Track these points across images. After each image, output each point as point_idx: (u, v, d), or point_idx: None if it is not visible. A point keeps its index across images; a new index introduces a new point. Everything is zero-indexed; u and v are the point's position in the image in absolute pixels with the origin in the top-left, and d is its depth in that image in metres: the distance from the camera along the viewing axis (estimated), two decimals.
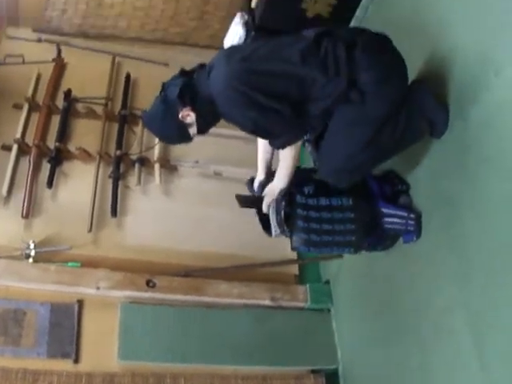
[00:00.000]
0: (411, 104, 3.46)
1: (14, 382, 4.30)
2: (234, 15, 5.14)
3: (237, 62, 3.17)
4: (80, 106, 5.85)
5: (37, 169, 5.34)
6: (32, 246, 4.80)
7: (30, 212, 5.07)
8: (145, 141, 5.71)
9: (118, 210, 5.28)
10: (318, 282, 5.33)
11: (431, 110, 3.55)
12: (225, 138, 5.61)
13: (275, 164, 3.71)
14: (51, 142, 5.48)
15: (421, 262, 3.82)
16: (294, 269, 5.42)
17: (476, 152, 3.29)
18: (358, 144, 3.37)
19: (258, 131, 3.39)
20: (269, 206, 3.78)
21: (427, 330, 3.67)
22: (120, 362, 4.58)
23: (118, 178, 5.42)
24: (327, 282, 5.25)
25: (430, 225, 3.72)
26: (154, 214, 5.45)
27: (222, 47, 4.75)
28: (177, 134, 3.38)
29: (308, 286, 5.20)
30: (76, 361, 4.54)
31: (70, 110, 5.77)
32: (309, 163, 4.19)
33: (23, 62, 5.82)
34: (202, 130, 3.38)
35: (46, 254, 4.88)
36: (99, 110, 5.85)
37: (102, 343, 4.64)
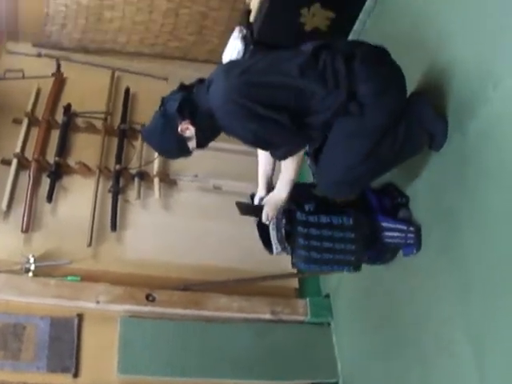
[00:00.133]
0: (410, 116, 3.46)
1: None
2: (233, 30, 5.16)
3: (235, 76, 3.17)
4: (79, 121, 5.86)
5: (36, 183, 5.35)
6: (32, 260, 4.81)
7: (29, 226, 5.07)
8: (144, 155, 5.72)
9: (118, 224, 5.29)
10: (318, 296, 5.32)
11: (430, 122, 3.56)
12: (224, 151, 5.61)
13: (276, 180, 3.70)
14: (51, 157, 5.49)
15: (421, 275, 3.81)
16: (294, 282, 5.41)
17: (475, 164, 3.29)
18: (358, 156, 3.37)
19: (258, 143, 3.40)
20: (268, 217, 3.76)
21: (427, 343, 3.66)
22: (120, 376, 4.57)
23: (117, 192, 5.42)
24: (327, 296, 5.24)
25: (430, 238, 3.72)
26: (153, 228, 5.45)
27: (221, 62, 4.76)
28: (176, 148, 3.36)
29: (308, 299, 5.20)
30: (76, 375, 4.54)
31: (69, 124, 5.79)
32: (308, 176, 4.19)
33: (23, 77, 5.85)
34: (201, 144, 3.37)
35: (46, 269, 4.88)
36: (99, 124, 5.86)
37: (101, 357, 4.64)
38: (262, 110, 3.10)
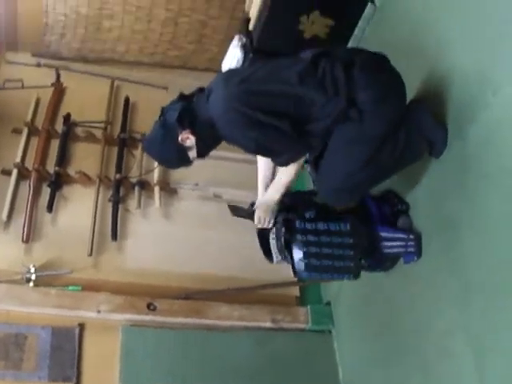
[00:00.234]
0: (410, 123, 3.46)
1: None
2: (232, 38, 5.16)
3: (235, 84, 3.17)
4: (79, 130, 5.87)
5: (37, 193, 5.35)
6: (32, 270, 4.80)
7: (30, 236, 5.07)
8: (144, 164, 5.72)
9: (118, 233, 5.28)
10: (319, 304, 5.31)
11: (430, 129, 3.56)
12: (224, 160, 5.61)
13: None
14: (51, 167, 5.49)
15: (421, 283, 3.81)
16: (295, 290, 5.40)
17: (475, 171, 3.29)
18: (357, 163, 3.37)
19: (260, 151, 3.41)
20: (260, 220, 3.75)
21: (428, 351, 3.65)
22: None
23: (117, 201, 5.42)
24: (328, 304, 5.23)
25: (431, 245, 3.72)
26: (154, 237, 5.44)
27: (221, 70, 4.76)
28: (176, 158, 3.37)
29: (309, 307, 5.19)
30: None
31: (69, 134, 5.79)
32: (308, 184, 4.19)
33: (22, 87, 5.85)
34: (202, 154, 3.37)
35: (47, 278, 4.87)
36: (98, 133, 5.86)
37: (103, 367, 4.63)
38: (263, 117, 3.10)
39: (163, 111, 3.32)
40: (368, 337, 4.58)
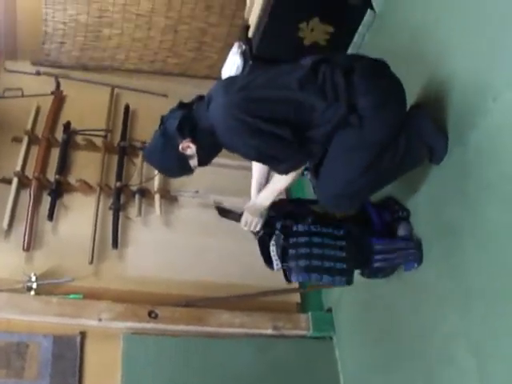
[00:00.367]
0: (410, 129, 3.47)
1: None
2: (232, 45, 5.17)
3: (235, 92, 3.17)
4: (79, 138, 5.86)
5: (37, 201, 5.34)
6: (33, 278, 4.80)
7: (31, 245, 5.06)
8: (145, 172, 5.71)
9: (119, 241, 5.27)
10: (320, 310, 5.31)
11: (430, 135, 3.56)
12: (225, 167, 5.62)
13: None
14: (51, 175, 5.49)
15: (421, 289, 3.81)
16: (296, 297, 5.40)
17: (476, 177, 3.29)
18: (357, 169, 3.36)
19: (261, 158, 3.40)
20: (247, 223, 3.75)
21: (429, 357, 3.65)
22: None
23: (118, 209, 5.42)
24: (329, 310, 5.23)
25: (431, 252, 3.72)
26: (154, 244, 5.44)
27: (220, 77, 4.77)
28: (177, 166, 3.37)
29: (310, 314, 5.17)
30: None
31: (69, 142, 5.79)
32: (308, 191, 4.19)
33: (22, 95, 5.85)
34: (203, 162, 3.37)
35: (48, 287, 4.86)
36: (99, 141, 5.86)
37: (104, 375, 4.61)
38: (263, 125, 3.10)
39: (163, 120, 3.32)
40: (369, 343, 4.57)
